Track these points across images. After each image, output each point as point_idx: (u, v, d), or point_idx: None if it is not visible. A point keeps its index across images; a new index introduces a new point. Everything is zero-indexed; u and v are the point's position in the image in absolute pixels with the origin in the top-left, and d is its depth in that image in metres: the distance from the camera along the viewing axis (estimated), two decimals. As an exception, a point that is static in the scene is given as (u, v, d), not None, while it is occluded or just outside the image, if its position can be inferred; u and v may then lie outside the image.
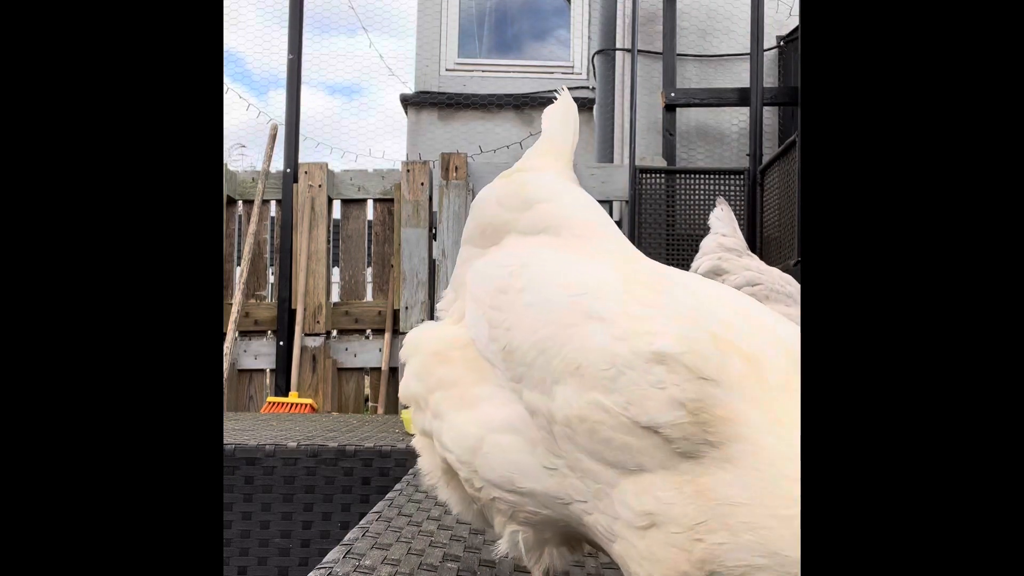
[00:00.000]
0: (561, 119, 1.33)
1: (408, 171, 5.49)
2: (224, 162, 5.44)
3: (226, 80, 7.07)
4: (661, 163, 5.65)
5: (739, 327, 0.89)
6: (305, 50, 5.75)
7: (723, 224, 2.60)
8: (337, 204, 5.71)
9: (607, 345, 0.90)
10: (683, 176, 5.44)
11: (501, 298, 1.07)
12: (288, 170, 5.61)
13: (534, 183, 1.23)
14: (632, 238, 4.94)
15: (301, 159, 5.65)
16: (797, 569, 0.70)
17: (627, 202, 5.45)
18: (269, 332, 5.58)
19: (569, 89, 1.36)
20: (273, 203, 5.69)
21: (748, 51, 5.74)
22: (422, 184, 5.46)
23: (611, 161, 6.23)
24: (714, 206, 2.70)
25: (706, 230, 2.67)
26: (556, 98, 1.33)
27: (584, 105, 7.23)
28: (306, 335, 5.47)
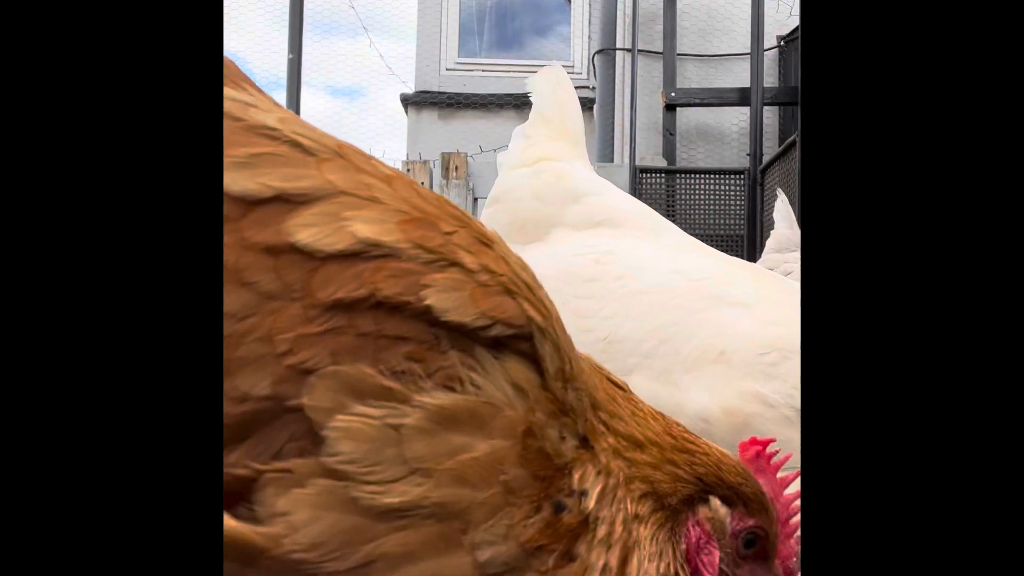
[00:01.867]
0: (552, 95, 1.24)
1: (408, 170, 5.49)
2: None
3: (226, 80, 7.01)
4: (661, 163, 5.65)
5: None
6: (307, 53, 5.75)
7: (782, 218, 2.57)
8: (337, 203, 5.69)
9: (757, 330, 0.82)
10: (683, 176, 5.43)
11: (591, 287, 0.99)
12: (288, 170, 5.59)
13: (572, 175, 1.16)
14: (632, 238, 4.91)
15: (301, 159, 5.63)
16: None
17: (627, 202, 5.44)
18: (269, 331, 5.57)
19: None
20: (273, 203, 5.67)
21: (748, 51, 5.73)
22: (422, 183, 5.46)
23: (611, 161, 6.22)
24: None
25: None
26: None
27: (584, 105, 7.22)
28: (306, 334, 5.46)
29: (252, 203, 0.55)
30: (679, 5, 6.11)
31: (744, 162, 5.68)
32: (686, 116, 6.04)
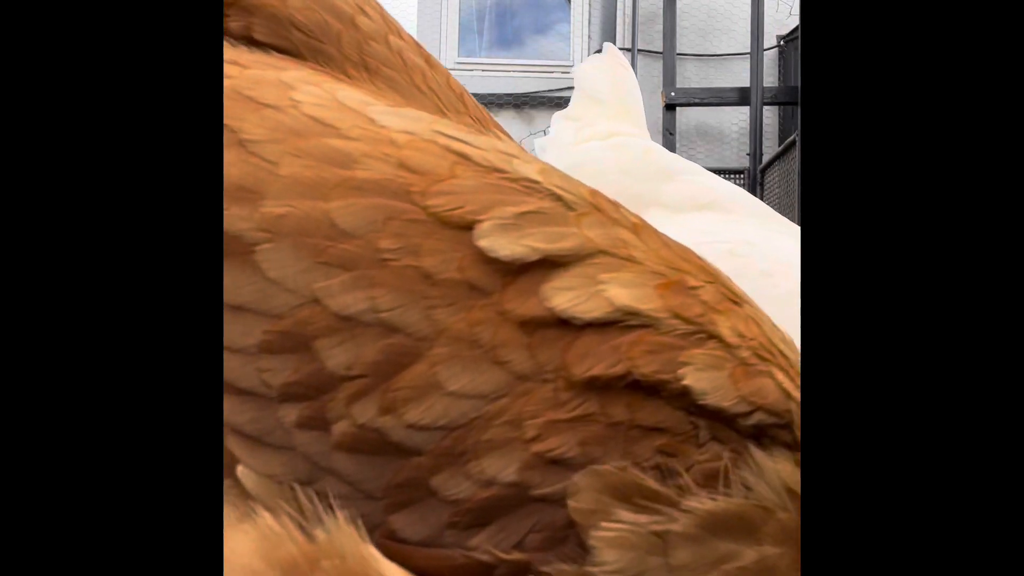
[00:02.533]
0: (607, 78, 1.15)
1: (408, 170, 5.48)
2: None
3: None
4: (661, 162, 5.65)
5: None
6: (305, 49, 5.74)
7: None
8: (337, 203, 5.69)
9: None
10: (683, 176, 5.43)
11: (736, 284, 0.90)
12: (288, 169, 5.60)
13: (658, 151, 1.10)
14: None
15: (301, 158, 5.64)
16: None
17: (627, 201, 5.44)
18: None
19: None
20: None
21: (748, 51, 5.73)
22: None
23: (611, 160, 6.22)
24: None
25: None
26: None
27: (584, 104, 7.21)
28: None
29: (516, 271, 0.53)
30: (679, 5, 6.12)
31: (744, 162, 5.68)
32: (686, 116, 6.05)
